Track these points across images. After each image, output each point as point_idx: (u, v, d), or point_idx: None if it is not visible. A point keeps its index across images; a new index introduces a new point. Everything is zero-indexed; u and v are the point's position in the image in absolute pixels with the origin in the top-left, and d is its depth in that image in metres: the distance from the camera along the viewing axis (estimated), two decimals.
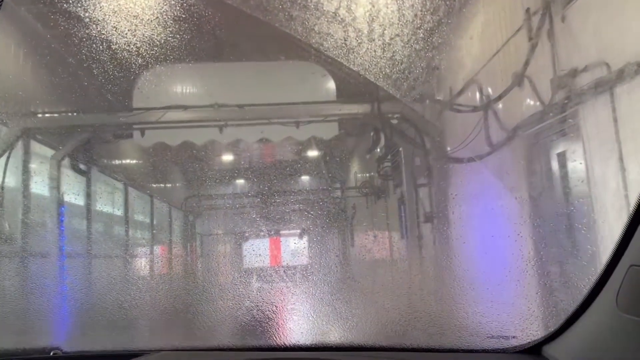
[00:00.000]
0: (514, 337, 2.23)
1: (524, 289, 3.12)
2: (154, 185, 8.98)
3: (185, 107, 6.88)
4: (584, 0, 4.07)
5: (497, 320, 2.45)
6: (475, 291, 3.19)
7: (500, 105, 5.04)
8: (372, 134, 8.15)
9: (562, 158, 4.55)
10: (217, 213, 8.38)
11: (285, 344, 2.69)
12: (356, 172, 9.69)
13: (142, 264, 7.08)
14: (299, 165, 7.58)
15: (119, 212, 8.39)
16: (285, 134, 7.22)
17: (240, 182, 7.73)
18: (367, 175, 9.30)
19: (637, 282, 1.47)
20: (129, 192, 8.74)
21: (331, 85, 6.91)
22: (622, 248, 1.53)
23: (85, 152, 7.47)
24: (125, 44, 4.26)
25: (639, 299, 1.47)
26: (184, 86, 7.12)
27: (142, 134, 7.27)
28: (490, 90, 5.32)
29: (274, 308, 3.39)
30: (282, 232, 7.27)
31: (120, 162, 8.92)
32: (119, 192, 8.62)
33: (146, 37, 4.25)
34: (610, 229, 3.60)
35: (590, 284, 1.64)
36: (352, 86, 6.18)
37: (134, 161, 8.87)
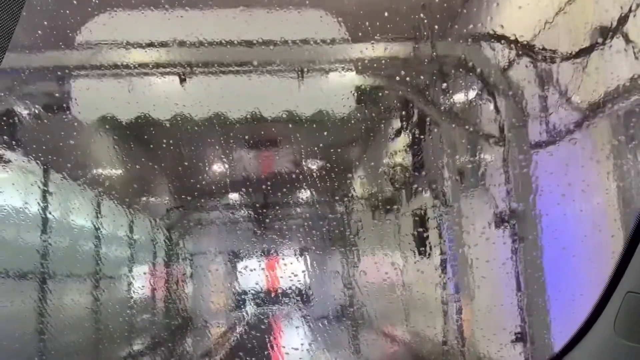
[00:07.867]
0: None
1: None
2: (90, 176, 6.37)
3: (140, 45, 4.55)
4: None
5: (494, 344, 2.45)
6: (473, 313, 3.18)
7: (588, 65, 3.57)
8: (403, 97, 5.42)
9: None
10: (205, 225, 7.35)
11: None
12: (382, 158, 6.60)
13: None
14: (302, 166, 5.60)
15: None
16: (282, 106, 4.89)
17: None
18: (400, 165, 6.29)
19: (634, 308, 1.51)
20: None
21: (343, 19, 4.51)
22: (619, 275, 1.57)
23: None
24: None
25: (637, 325, 1.50)
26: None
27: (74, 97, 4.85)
28: (570, 43, 3.78)
29: (278, 335, 3.33)
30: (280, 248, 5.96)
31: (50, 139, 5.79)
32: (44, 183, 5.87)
33: None
34: None
35: (588, 310, 1.67)
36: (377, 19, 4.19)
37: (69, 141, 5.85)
